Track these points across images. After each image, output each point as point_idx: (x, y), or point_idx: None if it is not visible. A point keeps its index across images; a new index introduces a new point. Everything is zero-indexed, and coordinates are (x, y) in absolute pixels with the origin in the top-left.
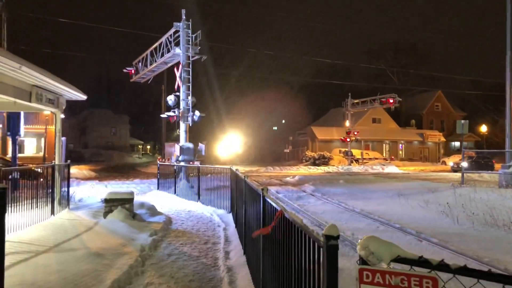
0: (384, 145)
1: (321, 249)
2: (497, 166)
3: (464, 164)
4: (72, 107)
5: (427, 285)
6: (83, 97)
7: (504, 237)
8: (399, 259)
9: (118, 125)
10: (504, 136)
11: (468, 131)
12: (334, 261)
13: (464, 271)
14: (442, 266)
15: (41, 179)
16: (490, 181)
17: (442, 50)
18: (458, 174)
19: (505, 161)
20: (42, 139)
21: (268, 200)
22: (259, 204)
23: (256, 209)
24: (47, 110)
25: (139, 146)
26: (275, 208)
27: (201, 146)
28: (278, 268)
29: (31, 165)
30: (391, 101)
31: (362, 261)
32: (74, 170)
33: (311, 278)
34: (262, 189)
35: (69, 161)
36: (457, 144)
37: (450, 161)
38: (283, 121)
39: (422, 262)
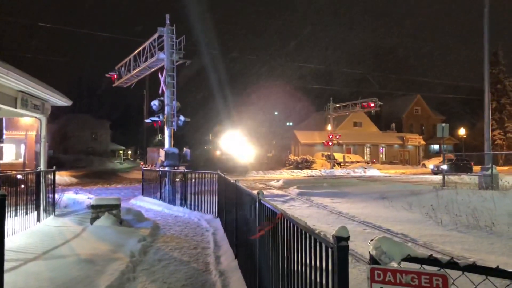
0: (365, 148)
1: (330, 250)
2: (475, 168)
3: (445, 166)
4: (51, 112)
5: (437, 283)
6: (69, 102)
7: (486, 238)
8: (409, 258)
9: (98, 130)
10: (482, 139)
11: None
12: (344, 262)
13: (472, 268)
14: (451, 264)
15: (22, 186)
16: (470, 183)
17: (421, 56)
18: (439, 177)
19: (484, 163)
20: (22, 145)
21: (265, 203)
22: (254, 207)
23: (250, 213)
24: (32, 116)
25: (120, 152)
26: (273, 211)
27: (186, 151)
28: (278, 271)
29: (13, 172)
30: (372, 105)
31: (373, 260)
32: (56, 176)
33: (317, 280)
34: (258, 193)
35: (54, 167)
36: (436, 147)
37: (430, 164)
38: (266, 126)
39: (431, 260)
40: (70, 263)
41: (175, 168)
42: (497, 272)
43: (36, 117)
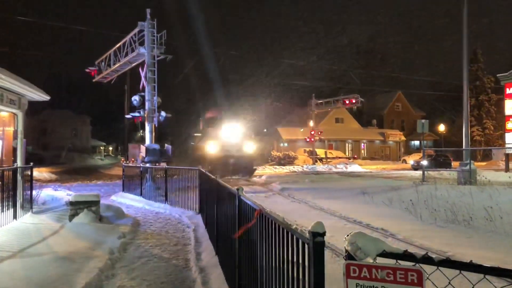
0: (347, 144)
1: (306, 246)
2: (455, 163)
3: (424, 162)
4: (30, 107)
5: (412, 278)
6: (46, 97)
7: (464, 232)
8: (384, 254)
9: (79, 126)
10: (461, 135)
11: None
12: (320, 257)
13: (447, 263)
14: (426, 259)
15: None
16: (449, 179)
17: (402, 52)
18: (419, 172)
19: (463, 159)
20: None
21: (245, 199)
22: (234, 204)
23: (230, 209)
24: (8, 111)
25: (101, 148)
26: (252, 207)
27: (168, 147)
28: (257, 268)
29: None
30: (354, 101)
31: (349, 256)
32: (35, 173)
33: (294, 276)
34: (238, 189)
35: (31, 163)
36: (416, 143)
37: (411, 160)
38: (249, 121)
39: (407, 256)
40: (47, 261)
41: (156, 164)
42: (470, 267)
43: (12, 112)
